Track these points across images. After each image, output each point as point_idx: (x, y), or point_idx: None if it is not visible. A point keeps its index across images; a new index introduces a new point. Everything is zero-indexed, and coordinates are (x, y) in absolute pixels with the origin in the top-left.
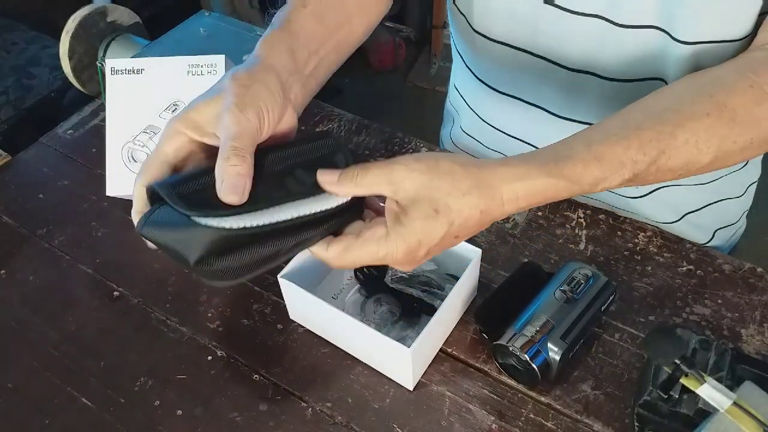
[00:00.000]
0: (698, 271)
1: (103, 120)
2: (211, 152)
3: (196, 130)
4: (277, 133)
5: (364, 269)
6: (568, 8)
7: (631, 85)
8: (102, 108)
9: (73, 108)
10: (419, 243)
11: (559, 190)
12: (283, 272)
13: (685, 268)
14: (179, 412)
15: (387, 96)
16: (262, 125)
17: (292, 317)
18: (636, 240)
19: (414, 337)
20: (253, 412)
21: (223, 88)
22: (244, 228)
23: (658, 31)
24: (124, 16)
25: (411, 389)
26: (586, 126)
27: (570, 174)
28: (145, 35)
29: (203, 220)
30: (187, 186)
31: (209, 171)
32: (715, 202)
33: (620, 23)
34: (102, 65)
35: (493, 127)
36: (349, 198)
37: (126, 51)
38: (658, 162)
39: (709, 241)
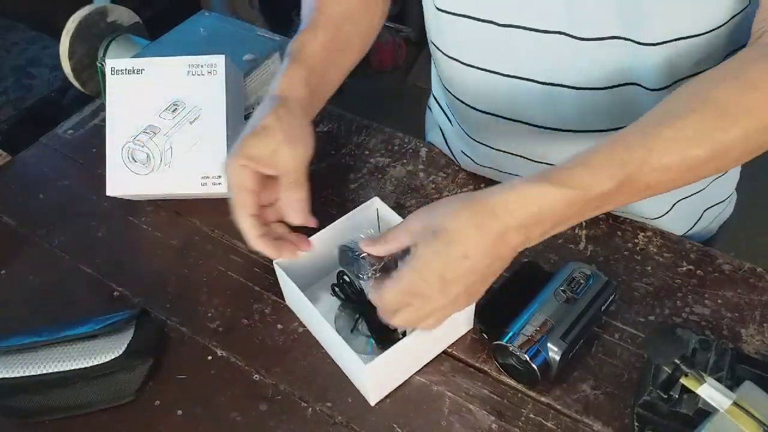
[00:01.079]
0: (698, 271)
1: (103, 120)
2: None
3: (253, 162)
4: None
5: (343, 278)
6: (531, 27)
7: (606, 92)
8: (102, 108)
9: (73, 108)
10: (428, 267)
11: (553, 197)
12: (280, 259)
13: (685, 268)
14: (179, 412)
15: (387, 96)
16: (309, 154)
17: (288, 303)
18: (636, 240)
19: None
20: (253, 412)
21: (268, 126)
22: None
23: (621, 40)
24: (124, 16)
25: (372, 404)
26: (570, 132)
27: (557, 179)
28: (145, 35)
29: None
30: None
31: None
32: (705, 187)
33: (582, 37)
34: (102, 65)
35: (479, 142)
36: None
37: (126, 51)
38: (650, 161)
39: (697, 222)
